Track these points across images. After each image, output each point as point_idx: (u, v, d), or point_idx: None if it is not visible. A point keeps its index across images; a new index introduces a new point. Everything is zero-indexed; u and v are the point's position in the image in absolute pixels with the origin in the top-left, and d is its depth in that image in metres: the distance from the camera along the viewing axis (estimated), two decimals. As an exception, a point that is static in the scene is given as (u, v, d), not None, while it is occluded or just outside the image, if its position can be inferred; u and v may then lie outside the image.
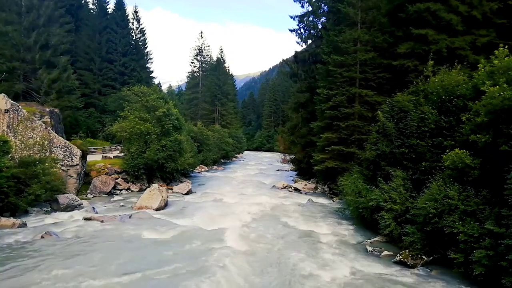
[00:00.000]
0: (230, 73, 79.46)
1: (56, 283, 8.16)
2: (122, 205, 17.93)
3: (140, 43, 50.83)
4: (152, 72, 53.38)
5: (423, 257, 10.02)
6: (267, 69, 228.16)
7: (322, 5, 29.13)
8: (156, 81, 58.26)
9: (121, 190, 21.83)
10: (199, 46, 68.05)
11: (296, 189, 25.00)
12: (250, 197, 21.47)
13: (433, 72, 13.75)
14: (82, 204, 16.74)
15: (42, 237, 11.58)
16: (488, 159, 9.28)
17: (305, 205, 19.16)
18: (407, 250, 10.38)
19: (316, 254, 10.85)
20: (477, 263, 8.15)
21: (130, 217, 15.05)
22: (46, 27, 29.40)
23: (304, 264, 9.91)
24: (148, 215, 15.77)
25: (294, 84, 36.19)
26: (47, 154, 17.93)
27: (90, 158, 23.05)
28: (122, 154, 25.49)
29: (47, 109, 22.10)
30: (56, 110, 23.62)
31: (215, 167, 43.68)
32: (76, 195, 18.00)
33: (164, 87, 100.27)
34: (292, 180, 29.66)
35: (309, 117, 27.02)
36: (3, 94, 18.01)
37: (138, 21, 50.30)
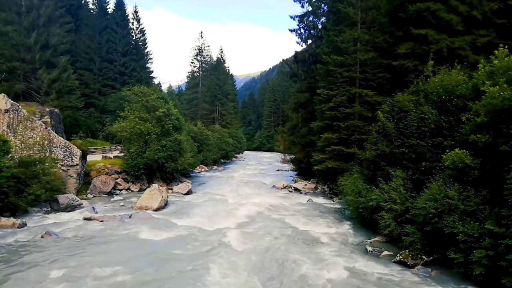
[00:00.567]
0: (230, 73, 79.47)
1: (56, 283, 8.16)
2: (122, 205, 17.93)
3: (140, 43, 50.83)
4: (152, 72, 53.42)
5: (423, 257, 10.02)
6: (267, 69, 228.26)
7: (322, 5, 29.14)
8: (156, 81, 58.30)
9: (121, 190, 21.83)
10: (199, 46, 68.13)
11: (296, 189, 25.00)
12: (250, 197, 21.46)
13: (433, 72, 13.75)
14: (82, 204, 16.75)
15: (42, 237, 11.59)
16: (488, 159, 9.27)
17: (305, 205, 19.16)
18: (407, 250, 10.38)
19: (316, 254, 10.85)
20: (477, 263, 8.15)
21: (130, 217, 15.05)
22: (46, 27, 29.41)
23: (304, 264, 9.91)
24: (148, 215, 15.77)
25: (294, 84, 36.19)
26: (47, 154, 17.93)
27: (90, 158, 23.05)
28: (122, 154, 25.49)
29: (47, 109, 22.11)
30: (56, 110, 23.62)
31: (215, 167, 43.68)
32: (76, 195, 18.00)
33: (164, 87, 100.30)
34: (292, 180, 29.67)
35: (309, 117, 27.03)
36: (3, 94, 18.01)
37: (138, 21, 50.32)
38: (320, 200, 20.95)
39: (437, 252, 9.92)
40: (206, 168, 40.34)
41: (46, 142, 18.20)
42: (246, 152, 78.74)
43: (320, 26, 29.35)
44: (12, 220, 12.91)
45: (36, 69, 28.39)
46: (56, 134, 19.17)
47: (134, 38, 49.43)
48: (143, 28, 50.85)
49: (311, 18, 29.92)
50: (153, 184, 19.52)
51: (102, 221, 14.04)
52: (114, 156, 26.66)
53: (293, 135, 32.22)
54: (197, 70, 68.89)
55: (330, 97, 20.95)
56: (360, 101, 20.61)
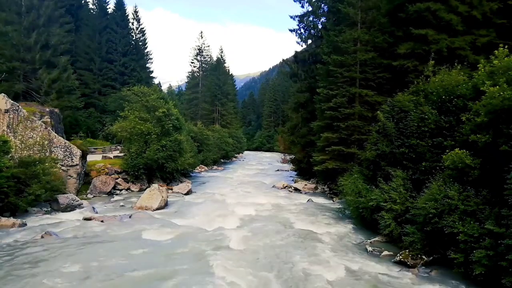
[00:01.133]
0: (230, 73, 79.46)
1: (56, 283, 8.16)
2: (122, 205, 17.93)
3: (140, 43, 50.83)
4: (152, 72, 53.42)
5: (423, 257, 10.01)
6: (267, 69, 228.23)
7: (322, 5, 29.13)
8: (156, 81, 58.30)
9: (121, 190, 21.83)
10: (199, 46, 68.14)
11: (296, 189, 25.00)
12: (250, 197, 21.46)
13: (433, 72, 13.75)
14: (82, 204, 16.75)
15: (42, 237, 11.59)
16: (488, 159, 9.27)
17: (305, 205, 19.15)
18: (407, 250, 10.38)
19: (316, 254, 10.85)
20: (477, 263, 8.15)
21: (130, 217, 15.06)
22: (46, 27, 29.41)
23: (304, 264, 9.91)
24: (148, 215, 15.77)
25: (294, 84, 36.19)
26: (47, 154, 17.93)
27: (90, 158, 23.05)
28: (122, 154, 25.49)
29: (47, 109, 22.11)
30: (56, 110, 23.63)
31: (215, 167, 43.68)
32: (76, 195, 18.01)
33: (164, 87, 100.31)
34: (292, 180, 29.66)
35: (309, 117, 27.03)
36: (3, 94, 18.02)
37: (138, 21, 50.33)
38: (320, 200, 20.95)
39: (437, 252, 9.91)
40: (206, 168, 40.34)
41: (46, 142, 18.20)
42: (246, 152, 78.76)
43: (320, 26, 29.35)
44: (12, 220, 12.92)
45: (36, 69, 28.39)
46: (56, 134, 19.17)
47: (134, 38, 49.43)
48: (143, 28, 50.90)
49: (311, 18, 29.93)
50: (153, 184, 19.51)
51: (102, 221, 14.04)
52: (114, 156, 26.66)
53: (293, 135, 32.22)
54: (197, 70, 68.89)
55: (330, 97, 20.94)
56: (360, 101, 20.61)
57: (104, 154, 27.70)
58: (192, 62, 68.59)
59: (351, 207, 14.72)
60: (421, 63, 15.85)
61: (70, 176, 18.80)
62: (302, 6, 29.89)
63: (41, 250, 10.34)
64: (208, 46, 69.34)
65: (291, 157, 36.49)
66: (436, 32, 16.41)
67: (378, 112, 14.62)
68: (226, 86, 66.93)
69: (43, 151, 17.77)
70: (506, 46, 10.25)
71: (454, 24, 16.24)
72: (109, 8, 48.95)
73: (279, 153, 54.92)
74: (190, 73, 70.25)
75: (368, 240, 12.41)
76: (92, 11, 48.01)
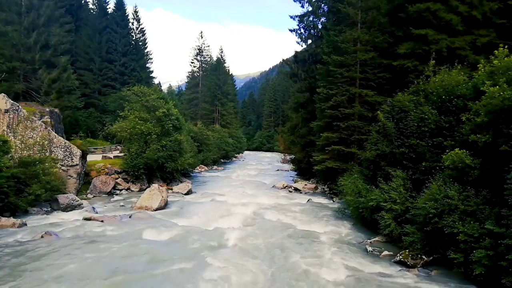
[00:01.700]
0: (230, 73, 79.37)
1: (56, 283, 8.16)
2: (122, 205, 17.93)
3: (140, 43, 50.84)
4: (152, 72, 53.44)
5: (423, 257, 10.01)
6: (267, 69, 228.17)
7: (322, 5, 29.16)
8: (156, 81, 58.34)
9: (121, 190, 21.84)
10: (199, 46, 68.12)
11: (296, 189, 25.00)
12: (250, 197, 21.46)
13: (433, 72, 13.75)
14: (82, 204, 16.75)
15: (42, 237, 11.59)
16: (488, 159, 9.27)
17: (305, 205, 19.15)
18: (407, 250, 10.38)
19: (316, 254, 10.85)
20: (477, 263, 8.15)
21: (130, 217, 15.06)
22: (46, 27, 29.43)
23: (303, 264, 9.90)
24: (148, 215, 15.77)
25: (294, 84, 36.20)
26: (47, 154, 17.92)
27: (90, 158, 23.05)
28: (122, 154, 25.49)
29: (47, 109, 22.11)
30: (56, 110, 23.62)
31: (215, 167, 43.68)
32: (76, 195, 18.00)
33: (164, 87, 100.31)
34: (292, 180, 29.67)
35: (309, 117, 27.03)
36: (3, 94, 18.02)
37: (138, 21, 50.33)
38: (320, 200, 20.95)
39: (437, 252, 9.91)
40: (206, 168, 40.34)
41: (46, 142, 18.19)
42: (246, 152, 78.76)
43: (320, 26, 29.38)
44: (12, 220, 12.91)
45: (36, 69, 28.40)
46: (56, 134, 19.17)
47: (134, 38, 49.43)
48: (143, 28, 50.91)
49: (311, 18, 29.97)
50: (153, 184, 19.51)
51: (102, 221, 14.03)
52: (114, 156, 26.67)
53: (293, 135, 32.23)
54: (197, 70, 68.86)
55: (330, 96, 20.95)
56: (360, 101, 20.61)
57: (104, 154, 27.71)
58: (192, 62, 68.60)
59: (351, 207, 14.72)
60: (421, 63, 15.85)
61: (70, 176, 18.80)
62: (302, 6, 29.97)
63: (41, 250, 10.33)
64: (208, 46, 69.41)
65: (291, 157, 36.50)
66: (436, 32, 16.40)
67: (378, 112, 14.62)
68: (226, 86, 66.90)
69: (43, 151, 17.76)
70: (506, 46, 10.25)
71: (454, 24, 16.24)
72: (109, 8, 48.97)
73: (279, 153, 54.91)
74: (190, 73, 70.23)
75: (368, 240, 12.40)
76: (92, 11, 48.01)
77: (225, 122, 63.77)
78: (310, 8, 29.64)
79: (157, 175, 24.40)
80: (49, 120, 20.59)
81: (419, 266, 9.83)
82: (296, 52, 32.02)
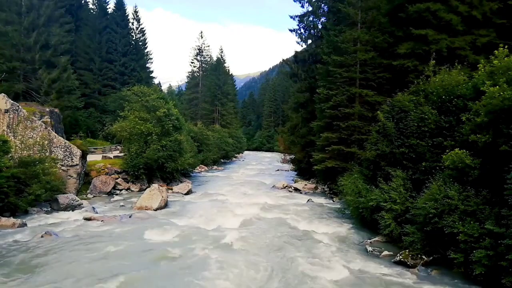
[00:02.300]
0: (230, 73, 79.36)
1: (56, 283, 8.16)
2: (122, 205, 17.93)
3: (140, 43, 50.83)
4: (152, 72, 53.43)
5: (423, 257, 10.02)
6: (267, 69, 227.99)
7: (322, 5, 29.16)
8: (156, 81, 58.32)
9: (121, 190, 21.84)
10: (199, 46, 68.10)
11: (296, 189, 25.00)
12: (250, 197, 21.46)
13: (433, 72, 13.75)
14: (82, 204, 16.75)
15: (42, 237, 11.59)
16: (488, 159, 9.27)
17: (305, 205, 19.15)
18: (407, 250, 10.38)
19: (316, 254, 10.85)
20: (477, 263, 8.16)
21: (130, 217, 15.06)
22: (46, 27, 29.43)
23: (303, 264, 9.91)
24: (148, 215, 15.78)
25: (294, 84, 36.19)
26: (47, 154, 17.92)
27: (90, 158, 23.05)
28: (122, 154, 25.49)
29: (47, 109, 22.11)
30: (56, 110, 23.63)
31: (215, 167, 43.68)
32: (76, 195, 18.00)
33: (164, 87, 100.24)
34: (292, 180, 29.66)
35: (309, 117, 27.02)
36: (3, 94, 18.02)
37: (138, 21, 50.32)
38: (320, 200, 20.94)
39: (437, 252, 9.91)
40: (206, 168, 40.34)
41: (46, 142, 18.20)
42: (246, 152, 78.75)
43: (320, 26, 29.38)
44: (12, 220, 12.91)
45: (36, 69, 28.40)
46: (56, 134, 19.18)
47: (134, 38, 49.42)
48: (143, 28, 50.90)
49: (311, 18, 29.96)
50: (153, 184, 19.51)
51: (102, 221, 14.04)
52: (114, 156, 26.67)
53: (293, 135, 32.22)
54: (197, 70, 68.84)
55: (330, 96, 20.95)
56: (360, 101, 20.60)
57: (104, 154, 27.71)
58: (192, 62, 68.58)
59: (351, 207, 14.72)
60: (421, 63, 15.84)
61: (70, 176, 18.80)
62: (302, 6, 29.96)
63: (41, 250, 10.34)
64: (208, 46, 69.39)
65: (291, 157, 36.49)
66: (436, 32, 16.40)
67: (378, 112, 14.61)
68: (226, 86, 66.89)
69: (43, 151, 17.76)
70: (506, 46, 10.25)
71: (454, 24, 16.24)
72: (109, 8, 48.95)
73: (279, 153, 54.90)
74: (190, 73, 70.21)
75: (368, 240, 12.40)
76: (92, 11, 47.99)
77: (225, 122, 63.76)
78: (310, 8, 29.65)
79: (157, 175, 24.40)
80: (49, 120, 20.59)
81: (419, 266, 9.83)
82: (296, 52, 32.02)
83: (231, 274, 9.02)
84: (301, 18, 29.92)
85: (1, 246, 10.66)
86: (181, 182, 25.86)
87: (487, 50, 13.20)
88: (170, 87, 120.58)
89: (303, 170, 30.41)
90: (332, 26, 24.15)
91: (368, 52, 20.10)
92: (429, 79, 13.58)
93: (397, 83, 16.60)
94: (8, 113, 17.43)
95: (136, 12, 50.37)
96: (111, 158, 25.91)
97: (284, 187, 25.76)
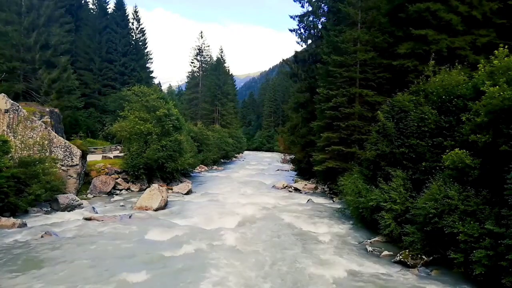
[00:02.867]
0: (230, 73, 79.33)
1: (56, 283, 8.17)
2: (122, 205, 17.92)
3: (140, 43, 50.81)
4: (152, 72, 53.40)
5: (423, 257, 10.02)
6: (267, 69, 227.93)
7: (322, 5, 29.16)
8: (156, 81, 58.27)
9: (121, 190, 21.83)
10: (199, 46, 68.07)
11: (296, 189, 25.00)
12: (250, 197, 21.47)
13: (433, 72, 13.75)
14: (82, 204, 16.75)
15: (42, 237, 11.59)
16: (488, 159, 9.27)
17: (305, 205, 19.15)
18: (407, 250, 10.39)
19: (316, 254, 10.85)
20: (477, 263, 8.16)
21: (130, 217, 15.06)
22: (46, 27, 29.40)
23: (303, 264, 9.91)
24: (148, 215, 15.78)
25: (294, 84, 36.19)
26: (47, 154, 17.92)
27: (90, 158, 23.05)
28: (122, 154, 25.49)
29: (47, 109, 22.09)
30: (56, 110, 23.60)
31: (215, 167, 43.68)
32: (76, 195, 18.00)
33: (164, 87, 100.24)
34: (292, 180, 29.67)
35: (309, 117, 27.03)
36: (3, 94, 18.01)
37: (138, 21, 50.30)
38: (320, 200, 20.95)
39: (437, 252, 9.92)
40: (206, 168, 40.34)
41: (46, 142, 18.20)
42: (246, 152, 78.74)
43: (320, 26, 29.38)
44: (12, 220, 12.91)
45: (36, 69, 28.38)
46: (56, 134, 19.17)
47: (134, 38, 49.39)
48: (143, 28, 50.87)
49: (311, 18, 29.96)
50: (153, 184, 19.51)
51: (102, 221, 14.04)
52: (114, 156, 26.66)
53: (293, 135, 32.22)
54: (197, 70, 68.82)
55: (330, 97, 20.95)
56: (360, 101, 20.60)
57: (104, 154, 27.70)
58: (192, 62, 68.54)
59: (351, 207, 14.73)
60: (421, 63, 15.84)
61: (70, 176, 18.79)
62: (302, 6, 29.97)
63: (41, 250, 10.34)
64: (208, 46, 69.33)
65: (291, 157, 36.50)
66: (436, 32, 16.40)
67: (378, 112, 14.62)
68: (226, 86, 66.86)
69: (43, 151, 17.77)
70: (506, 46, 10.25)
71: (454, 24, 16.24)
72: (109, 8, 48.92)
73: (279, 153, 54.92)
74: (190, 73, 70.18)
75: (368, 240, 12.41)
76: (92, 11, 47.97)
77: (225, 122, 63.75)
78: (310, 8, 29.65)
79: (157, 175, 24.40)
80: (49, 120, 20.57)
81: (419, 266, 9.83)
82: (296, 52, 32.02)
83: (231, 274, 9.02)
84: (301, 18, 29.92)
85: (1, 246, 10.65)
86: (181, 182, 25.86)
87: (487, 50, 13.20)
88: (170, 87, 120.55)
89: (303, 170, 30.41)
90: (332, 26, 24.15)
91: (368, 52, 20.11)
92: (429, 79, 13.58)
93: (397, 83, 16.60)
94: (8, 113, 17.43)
95: (136, 12, 50.38)
96: (111, 158, 25.91)
97: (284, 187, 25.77)
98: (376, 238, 12.40)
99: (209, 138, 43.35)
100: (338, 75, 20.70)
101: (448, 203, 9.29)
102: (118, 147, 32.79)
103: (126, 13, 48.47)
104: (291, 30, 30.36)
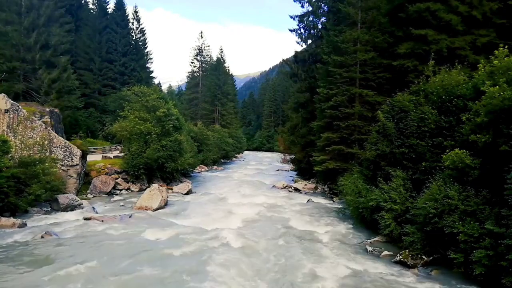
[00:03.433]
0: (230, 73, 79.29)
1: (56, 283, 8.17)
2: (122, 205, 17.92)
3: (140, 43, 50.78)
4: (152, 72, 53.37)
5: (423, 257, 10.02)
6: (267, 69, 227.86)
7: (322, 5, 29.15)
8: (156, 81, 58.25)
9: (121, 190, 21.83)
10: (199, 46, 68.06)
11: (296, 189, 25.00)
12: (250, 197, 21.46)
13: (433, 72, 13.75)
14: (82, 204, 16.74)
15: (42, 237, 11.59)
16: (488, 159, 9.28)
17: (305, 205, 19.15)
18: (407, 250, 10.39)
19: (316, 254, 10.86)
20: (477, 263, 8.16)
21: (130, 217, 15.06)
22: (46, 27, 29.38)
23: (303, 264, 9.91)
24: (148, 215, 15.79)
25: (294, 84, 36.19)
26: (47, 154, 17.92)
27: (90, 158, 23.05)
28: (122, 154, 25.49)
29: (47, 109, 22.09)
30: (56, 110, 23.60)
31: (215, 167, 43.67)
32: (76, 195, 17.99)
33: (164, 87, 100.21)
34: (292, 180, 29.66)
35: (309, 117, 27.03)
36: (3, 94, 18.01)
37: (138, 21, 50.27)
38: (320, 200, 20.95)
39: (437, 252, 9.92)
40: (206, 168, 40.34)
41: (46, 142, 18.19)
42: (246, 152, 78.74)
43: (320, 26, 29.38)
44: (12, 220, 12.91)
45: (36, 69, 28.36)
46: (56, 134, 19.17)
47: (134, 38, 49.36)
48: (143, 28, 50.85)
49: (311, 18, 29.96)
50: (153, 184, 19.51)
51: (102, 221, 14.04)
52: (114, 156, 26.66)
53: (293, 135, 32.21)
54: (197, 70, 68.80)
55: (330, 96, 20.96)
56: (360, 101, 20.61)
57: (104, 154, 27.69)
58: (192, 62, 68.53)
59: (351, 207, 14.73)
60: (421, 63, 15.85)
61: (70, 176, 18.79)
62: (302, 6, 29.96)
63: (41, 250, 10.34)
64: (208, 46, 69.31)
65: (291, 157, 36.49)
66: (436, 32, 16.41)
67: (378, 112, 14.62)
68: (226, 86, 66.82)
69: (43, 151, 17.76)
70: (506, 46, 10.26)
71: (454, 24, 16.24)
72: (109, 8, 48.87)
73: (279, 153, 54.92)
74: (190, 73, 70.16)
75: (368, 240, 12.41)
76: (92, 11, 47.94)
77: (225, 122, 63.73)
78: (310, 8, 29.65)
79: (157, 175, 24.40)
80: (49, 120, 20.57)
81: (419, 266, 9.84)
82: (296, 52, 32.01)
83: (231, 274, 9.02)
84: (301, 18, 29.92)
85: (1, 246, 10.66)
86: (181, 182, 25.86)
87: (487, 50, 13.21)
88: (170, 87, 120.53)
89: (303, 170, 30.41)
90: (332, 26, 24.15)
91: (368, 52, 20.11)
92: (429, 79, 13.58)
93: (397, 83, 16.61)
94: (8, 113, 17.43)
95: (136, 12, 50.36)
96: (111, 158, 25.90)
97: (284, 187, 25.76)
98: (376, 238, 12.40)
99: (209, 138, 43.35)
100: (338, 75, 20.70)
101: (448, 203, 9.29)
102: (118, 147, 32.79)
103: (126, 13, 48.45)
104: (291, 30, 30.39)
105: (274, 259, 10.34)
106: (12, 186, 13.93)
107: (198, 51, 67.89)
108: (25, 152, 17.04)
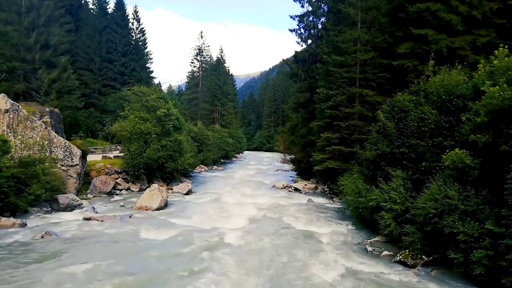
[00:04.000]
0: (230, 73, 79.28)
1: (56, 283, 8.16)
2: (122, 205, 17.92)
3: (140, 43, 50.79)
4: (152, 72, 53.38)
5: (423, 257, 10.02)
6: (267, 69, 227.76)
7: (322, 5, 29.15)
8: (156, 81, 58.24)
9: (121, 190, 21.83)
10: (199, 46, 68.05)
11: (296, 189, 25.00)
12: (250, 197, 21.47)
13: (433, 72, 13.75)
14: (82, 204, 16.75)
15: (42, 237, 11.59)
16: (488, 159, 9.27)
17: (305, 205, 19.16)
18: (407, 250, 10.38)
19: (316, 254, 10.86)
20: (477, 263, 8.16)
21: (130, 217, 15.06)
22: (46, 27, 29.39)
23: (303, 264, 9.91)
24: (148, 215, 15.79)
25: (294, 84, 36.19)
26: (47, 154, 17.92)
27: (90, 158, 23.05)
28: (122, 154, 25.49)
29: (47, 109, 22.09)
30: (56, 110, 23.60)
31: (215, 167, 43.67)
32: (76, 195, 18.00)
33: (164, 87, 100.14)
34: (292, 180, 29.67)
35: (309, 117, 27.03)
36: (3, 94, 18.01)
37: (138, 21, 50.28)
38: (320, 200, 20.95)
39: (437, 252, 9.91)
40: (206, 168, 40.34)
41: (46, 142, 18.19)
42: (246, 152, 78.75)
43: (320, 26, 29.38)
44: (12, 220, 12.91)
45: (36, 69, 28.36)
46: (56, 134, 19.17)
47: (134, 38, 49.37)
48: (143, 28, 50.86)
49: (311, 18, 29.96)
50: (153, 184, 19.51)
51: (102, 221, 14.04)
52: (114, 156, 26.66)
53: (293, 135, 32.22)
54: (197, 70, 68.79)
55: (330, 96, 20.96)
56: (360, 101, 20.61)
57: (104, 154, 27.69)
58: (192, 62, 68.51)
59: (351, 207, 14.72)
60: (421, 63, 15.86)
61: (70, 176, 18.79)
62: (302, 6, 29.97)
63: (41, 250, 10.35)
64: (208, 46, 69.29)
65: (291, 157, 36.50)
66: (436, 32, 16.41)
67: (378, 112, 14.62)
68: (226, 86, 66.82)
69: (43, 151, 17.76)
70: (506, 46, 10.26)
71: (454, 24, 16.24)
72: (109, 8, 48.88)
73: (279, 153, 54.92)
74: (190, 73, 70.15)
75: (368, 240, 12.41)
76: (92, 11, 47.95)
77: (225, 122, 63.72)
78: (310, 8, 29.65)
79: (157, 175, 24.40)
80: (49, 120, 20.57)
81: (419, 266, 9.83)
82: (296, 52, 32.01)
83: (231, 274, 9.02)
84: (301, 18, 29.92)
85: (1, 246, 10.66)
86: (181, 182, 25.85)
87: (487, 50, 13.21)
88: (170, 87, 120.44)
89: (303, 170, 30.41)
90: (332, 26, 24.15)
91: (368, 52, 20.11)
92: (429, 79, 13.58)
93: (397, 83, 16.61)
94: (8, 113, 17.43)
95: (136, 12, 50.36)
96: (111, 158, 25.90)
97: (284, 187, 25.77)
98: (376, 238, 12.40)
99: (209, 138, 43.35)
100: (338, 75, 20.71)
101: (448, 203, 9.29)
102: (118, 147, 32.79)
103: (126, 13, 48.45)
104: (291, 30, 30.38)
105: (273, 259, 10.34)
106: (12, 186, 13.93)
107: (198, 51, 67.91)
108: (25, 152, 17.04)
